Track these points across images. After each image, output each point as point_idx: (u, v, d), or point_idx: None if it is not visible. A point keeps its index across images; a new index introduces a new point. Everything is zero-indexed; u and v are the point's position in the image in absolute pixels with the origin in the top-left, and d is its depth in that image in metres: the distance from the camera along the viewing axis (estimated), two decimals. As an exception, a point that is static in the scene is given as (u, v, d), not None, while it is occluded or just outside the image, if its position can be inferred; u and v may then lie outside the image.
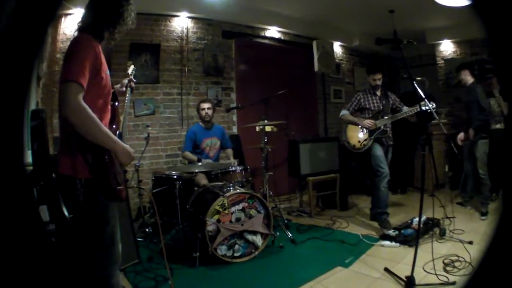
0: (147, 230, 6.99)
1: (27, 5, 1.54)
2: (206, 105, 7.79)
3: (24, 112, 1.61)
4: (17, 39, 1.55)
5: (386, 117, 7.65)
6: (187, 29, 9.52)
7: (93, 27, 3.20)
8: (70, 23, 7.75)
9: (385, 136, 7.67)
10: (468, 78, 8.24)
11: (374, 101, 7.79)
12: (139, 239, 6.50)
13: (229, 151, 8.09)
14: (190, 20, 9.60)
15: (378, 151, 7.72)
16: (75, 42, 3.09)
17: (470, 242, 6.41)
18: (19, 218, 1.71)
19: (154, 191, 6.93)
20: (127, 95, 4.06)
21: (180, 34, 9.41)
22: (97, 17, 3.22)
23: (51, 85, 7.13)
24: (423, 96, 6.23)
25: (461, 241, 6.44)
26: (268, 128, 7.52)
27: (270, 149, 7.62)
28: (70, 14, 7.76)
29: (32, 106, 5.68)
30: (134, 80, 4.11)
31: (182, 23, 9.45)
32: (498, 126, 9.02)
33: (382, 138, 7.69)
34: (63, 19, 7.81)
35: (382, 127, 7.61)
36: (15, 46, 1.54)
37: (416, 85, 6.10)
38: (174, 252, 6.21)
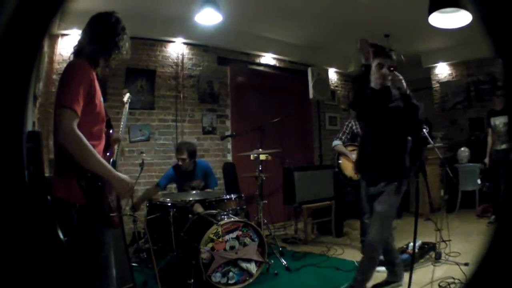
0: (141, 255, 7.01)
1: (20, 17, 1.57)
2: (179, 156, 7.45)
3: (23, 127, 1.65)
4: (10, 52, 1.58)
5: None
6: (183, 55, 9.66)
7: (89, 53, 3.24)
8: (66, 44, 7.88)
9: None
10: None
11: None
12: (133, 264, 6.50)
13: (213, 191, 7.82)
14: (185, 46, 9.71)
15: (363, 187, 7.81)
16: (71, 67, 3.15)
17: (466, 264, 6.39)
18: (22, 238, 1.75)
19: (149, 217, 6.93)
20: (122, 121, 4.11)
21: (175, 60, 9.55)
22: (93, 44, 3.27)
23: (47, 106, 7.22)
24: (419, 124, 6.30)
25: (457, 264, 6.46)
26: (262, 157, 7.55)
27: (264, 178, 7.65)
28: (66, 34, 7.87)
29: (29, 126, 5.74)
30: (120, 139, 4.10)
31: (177, 49, 9.59)
32: (504, 146, 9.28)
33: None
34: (59, 39, 7.92)
35: None
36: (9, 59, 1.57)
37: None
38: (169, 278, 6.25)
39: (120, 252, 5.63)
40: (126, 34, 3.46)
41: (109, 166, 3.15)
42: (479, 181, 10.84)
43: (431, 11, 6.64)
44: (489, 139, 9.69)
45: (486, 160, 9.70)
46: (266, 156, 7.66)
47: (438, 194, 10.60)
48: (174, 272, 6.46)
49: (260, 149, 7.55)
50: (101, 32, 3.32)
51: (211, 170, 7.98)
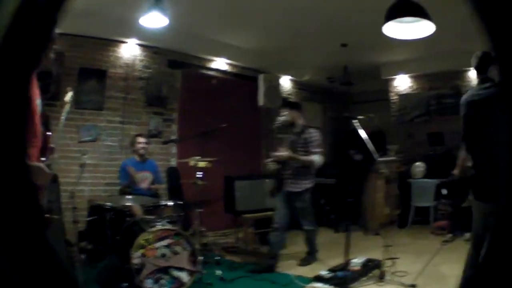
0: (82, 256, 7.21)
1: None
2: (141, 140, 8.25)
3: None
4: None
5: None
6: (135, 56, 9.84)
7: None
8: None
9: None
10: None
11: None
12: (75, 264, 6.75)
13: (158, 187, 8.50)
14: (138, 47, 9.89)
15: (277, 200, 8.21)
16: None
17: (413, 286, 6.40)
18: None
19: (89, 219, 7.22)
20: (61, 120, 4.37)
21: (127, 61, 9.70)
22: None
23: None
24: (363, 136, 6.66)
25: (402, 284, 6.50)
26: (202, 164, 7.83)
27: (202, 185, 7.81)
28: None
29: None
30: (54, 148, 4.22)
31: (130, 50, 9.77)
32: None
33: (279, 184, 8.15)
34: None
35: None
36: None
37: (356, 124, 6.53)
38: (106, 280, 6.48)
39: (61, 252, 5.95)
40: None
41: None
42: (445, 191, 10.97)
43: (387, 20, 6.45)
44: (462, 154, 9.74)
45: (456, 171, 9.86)
46: (206, 163, 7.89)
47: (384, 210, 10.86)
48: (111, 275, 6.60)
49: (199, 156, 7.82)
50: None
51: (158, 168, 8.72)
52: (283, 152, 7.87)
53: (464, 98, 5.51)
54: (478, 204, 5.36)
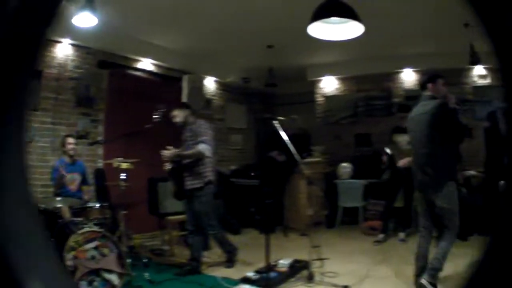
0: None
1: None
2: (71, 140, 8.48)
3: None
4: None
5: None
6: (67, 56, 10.02)
7: None
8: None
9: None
10: None
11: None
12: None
13: (86, 188, 8.76)
14: (71, 47, 10.08)
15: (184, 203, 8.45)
16: None
17: (345, 287, 6.58)
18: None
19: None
20: None
21: (60, 61, 9.86)
22: None
23: None
24: (285, 138, 7.07)
25: (334, 286, 6.67)
26: (124, 165, 8.01)
27: (125, 186, 7.98)
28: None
29: None
30: None
31: (64, 50, 9.94)
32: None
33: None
34: None
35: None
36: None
37: (276, 125, 6.87)
38: None
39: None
40: None
41: None
42: (385, 158, 10.77)
43: (314, 20, 6.22)
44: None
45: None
46: (128, 165, 8.06)
47: (308, 211, 11.14)
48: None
49: (122, 158, 8.12)
50: None
51: (87, 170, 9.00)
52: (168, 151, 8.13)
53: (409, 115, 6.65)
54: (421, 196, 6.49)
